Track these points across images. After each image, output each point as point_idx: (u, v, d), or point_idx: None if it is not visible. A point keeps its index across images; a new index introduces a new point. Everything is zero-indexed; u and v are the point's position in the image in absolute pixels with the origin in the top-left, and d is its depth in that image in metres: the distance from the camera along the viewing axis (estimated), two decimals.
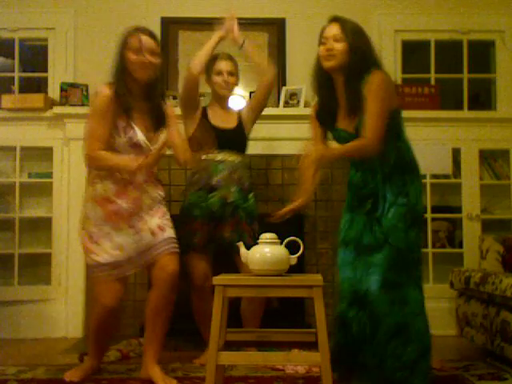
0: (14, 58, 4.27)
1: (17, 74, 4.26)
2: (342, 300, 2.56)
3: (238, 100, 3.98)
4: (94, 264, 2.72)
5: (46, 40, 4.22)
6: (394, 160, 2.53)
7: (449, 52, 4.37)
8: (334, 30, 2.55)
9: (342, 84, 2.53)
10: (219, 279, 2.26)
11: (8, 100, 4.06)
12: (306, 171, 2.68)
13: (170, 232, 2.81)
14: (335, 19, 2.61)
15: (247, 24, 4.26)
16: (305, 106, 4.07)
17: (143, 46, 2.68)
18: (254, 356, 2.46)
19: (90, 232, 2.72)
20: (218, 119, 3.22)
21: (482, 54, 4.42)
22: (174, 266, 2.77)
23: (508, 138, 4.20)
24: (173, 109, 2.95)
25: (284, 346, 2.52)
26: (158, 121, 2.81)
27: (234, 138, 3.22)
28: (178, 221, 3.04)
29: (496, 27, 4.29)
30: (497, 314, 2.97)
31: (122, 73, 2.71)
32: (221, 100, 3.29)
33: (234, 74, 3.25)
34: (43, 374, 2.88)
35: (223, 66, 3.22)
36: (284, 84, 4.17)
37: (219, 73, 3.22)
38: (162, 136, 2.81)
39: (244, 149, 3.27)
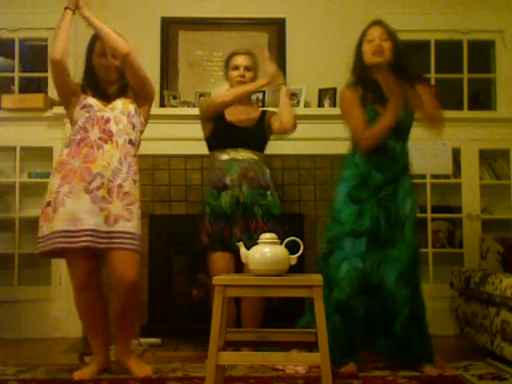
0: (14, 58, 4.28)
1: (17, 74, 4.26)
2: (341, 288, 2.74)
3: None
4: (46, 235, 2.69)
5: (46, 40, 4.21)
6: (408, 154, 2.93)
7: (449, 52, 4.37)
8: (379, 30, 2.90)
9: (384, 77, 2.83)
10: (219, 279, 2.26)
11: (8, 100, 4.06)
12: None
13: (131, 225, 2.74)
14: (379, 22, 2.96)
15: (247, 24, 4.29)
16: (305, 106, 4.08)
17: (106, 50, 2.83)
18: (254, 356, 2.46)
19: (48, 201, 2.76)
20: (235, 115, 3.20)
21: (482, 54, 4.42)
22: (134, 276, 2.73)
23: (508, 138, 4.20)
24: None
25: (284, 346, 2.51)
26: (121, 91, 2.92)
27: (252, 137, 3.19)
28: (198, 219, 3.17)
29: (496, 27, 4.29)
30: (497, 314, 2.97)
31: (91, 75, 2.91)
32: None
33: (251, 68, 3.22)
34: (43, 374, 2.88)
35: (240, 60, 3.21)
36: (284, 84, 4.16)
37: (236, 67, 3.20)
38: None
39: (261, 147, 3.24)
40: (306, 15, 4.28)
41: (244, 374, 2.80)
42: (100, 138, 2.77)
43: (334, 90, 4.13)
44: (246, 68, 3.20)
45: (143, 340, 3.53)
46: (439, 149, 4.09)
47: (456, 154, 4.17)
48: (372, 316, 2.78)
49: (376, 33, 2.89)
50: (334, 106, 4.12)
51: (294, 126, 3.22)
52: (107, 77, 2.88)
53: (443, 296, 3.89)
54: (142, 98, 2.94)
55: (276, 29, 4.24)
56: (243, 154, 3.12)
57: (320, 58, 4.25)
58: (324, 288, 2.55)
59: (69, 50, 2.81)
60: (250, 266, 2.31)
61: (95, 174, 2.71)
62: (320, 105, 4.14)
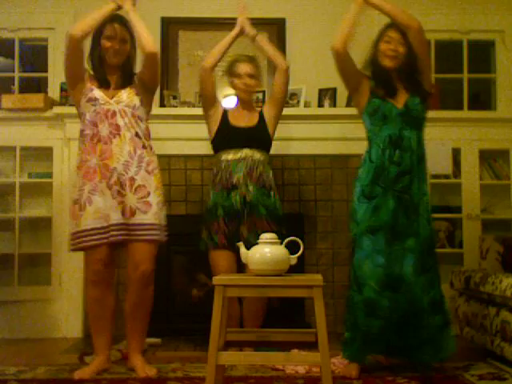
0: (13, 58, 4.27)
1: (17, 74, 4.26)
2: (366, 286, 2.75)
3: (231, 100, 3.98)
4: (79, 232, 2.82)
5: (46, 40, 4.22)
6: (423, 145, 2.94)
7: (449, 52, 4.37)
8: (398, 34, 2.91)
9: (394, 76, 2.93)
10: (219, 279, 2.26)
11: (8, 100, 4.06)
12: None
13: (148, 217, 2.84)
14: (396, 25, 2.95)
15: None
16: (305, 106, 4.08)
17: (119, 35, 2.90)
18: (254, 356, 2.46)
19: (75, 200, 2.85)
20: (239, 119, 3.25)
21: (482, 53, 4.42)
22: (147, 265, 2.88)
23: (508, 138, 4.20)
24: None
25: (284, 346, 2.52)
26: (125, 80, 2.97)
27: (254, 136, 3.23)
28: (202, 220, 3.22)
29: (496, 27, 4.29)
30: (497, 314, 2.97)
31: (97, 58, 2.93)
32: (242, 102, 3.31)
33: (254, 76, 3.25)
34: (43, 374, 2.88)
35: (243, 68, 3.24)
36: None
37: (239, 76, 3.23)
38: None
39: (265, 146, 3.27)
40: (305, 15, 4.28)
41: (244, 374, 2.80)
42: (110, 133, 2.84)
43: (334, 89, 4.13)
44: (250, 75, 3.22)
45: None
46: (439, 149, 4.09)
47: (456, 154, 4.17)
48: (394, 311, 2.77)
49: (394, 35, 2.92)
50: (334, 105, 4.12)
51: (285, 58, 3.37)
52: (113, 60, 2.92)
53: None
54: (149, 91, 3.05)
55: (276, 29, 4.24)
56: (248, 153, 3.15)
57: (320, 58, 4.25)
58: (350, 289, 2.82)
59: (89, 36, 2.88)
60: (250, 266, 2.32)
61: (112, 170, 2.81)
62: (320, 105, 4.14)
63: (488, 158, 4.26)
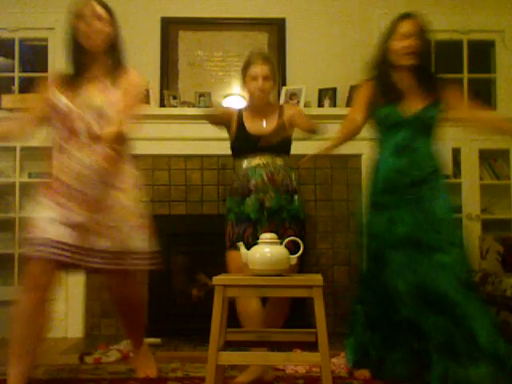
0: (14, 58, 4.28)
1: (17, 74, 4.26)
2: (406, 305, 2.46)
3: (238, 100, 3.98)
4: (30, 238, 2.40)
5: (46, 40, 4.22)
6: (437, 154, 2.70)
7: (449, 52, 4.37)
8: (414, 26, 2.60)
9: (407, 75, 2.64)
10: (219, 279, 2.26)
11: (8, 100, 4.06)
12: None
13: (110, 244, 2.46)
14: (413, 16, 2.63)
15: (247, 24, 4.29)
16: (305, 106, 4.08)
17: (92, 13, 2.51)
18: (254, 356, 2.46)
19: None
20: (255, 124, 3.02)
21: (482, 53, 4.42)
22: (123, 293, 2.66)
23: (508, 137, 4.19)
24: (136, 77, 2.66)
25: (284, 346, 2.51)
26: (111, 77, 2.57)
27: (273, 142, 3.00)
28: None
29: (496, 27, 4.29)
30: (497, 314, 2.97)
31: (75, 44, 2.55)
32: (257, 106, 3.06)
33: (269, 78, 3.01)
34: (43, 374, 2.88)
35: (258, 70, 2.99)
36: (284, 84, 4.17)
37: (253, 78, 2.99)
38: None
39: (286, 150, 3.06)
40: (305, 15, 4.28)
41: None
42: (67, 141, 2.49)
43: (334, 89, 4.14)
44: (265, 78, 2.99)
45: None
46: (439, 149, 4.09)
47: (456, 153, 4.17)
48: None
49: (409, 28, 2.59)
50: (334, 105, 4.13)
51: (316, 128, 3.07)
52: (89, 45, 2.52)
53: None
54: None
55: (276, 29, 4.24)
56: (268, 160, 2.95)
57: (320, 58, 4.26)
58: (378, 307, 2.56)
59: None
60: (250, 265, 2.31)
61: (64, 184, 2.44)
62: (320, 105, 4.14)
63: (488, 157, 4.26)
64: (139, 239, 2.52)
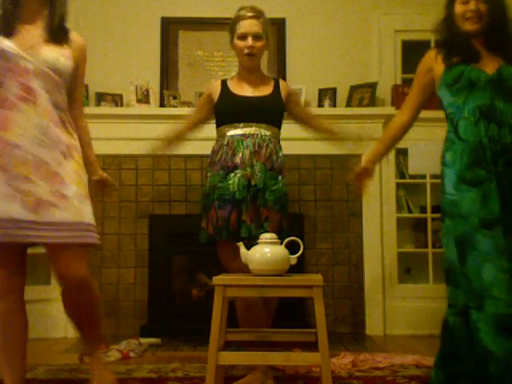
0: None
1: None
2: (496, 299, 2.04)
3: None
4: None
5: None
6: None
7: None
8: None
9: (478, 42, 2.34)
10: (219, 279, 2.26)
11: None
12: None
13: (63, 214, 2.08)
14: None
15: None
16: (305, 106, 4.07)
17: None
18: (254, 356, 2.46)
19: None
20: (243, 87, 2.74)
21: None
22: (75, 274, 2.16)
23: None
24: (82, 41, 2.34)
25: (284, 346, 2.51)
26: (52, 32, 2.20)
27: (265, 108, 2.70)
28: (201, 208, 2.79)
29: None
30: None
31: None
32: (248, 69, 2.75)
33: (261, 36, 2.69)
34: (43, 374, 2.88)
35: (247, 26, 2.67)
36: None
37: (242, 36, 2.68)
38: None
39: (277, 121, 2.76)
40: (306, 15, 4.28)
41: (244, 374, 2.80)
42: (18, 97, 2.08)
43: (334, 89, 4.14)
44: (255, 36, 2.67)
45: (143, 340, 3.54)
46: (439, 149, 4.08)
47: None
48: None
49: None
50: (334, 105, 4.13)
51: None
52: None
53: (443, 296, 3.87)
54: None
55: (276, 29, 4.24)
56: (256, 129, 2.66)
57: (320, 58, 4.26)
58: (469, 305, 2.14)
59: None
60: (250, 265, 2.31)
61: (13, 145, 2.06)
62: (320, 105, 4.14)
63: None
64: (88, 211, 2.18)
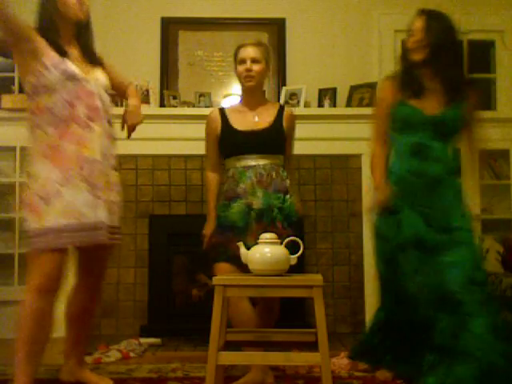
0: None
1: (17, 74, 4.25)
2: (423, 306, 2.40)
3: (232, 100, 3.97)
4: (39, 231, 2.30)
5: None
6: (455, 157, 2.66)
7: None
8: (420, 22, 2.59)
9: (427, 73, 2.56)
10: (219, 279, 2.26)
11: (8, 100, 4.06)
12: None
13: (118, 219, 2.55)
14: (423, 12, 2.64)
15: (247, 24, 4.29)
16: (305, 106, 4.08)
17: None
18: (254, 356, 2.46)
19: (38, 192, 2.32)
20: (244, 120, 2.82)
21: (482, 53, 4.42)
22: (105, 273, 2.69)
23: (508, 137, 4.20)
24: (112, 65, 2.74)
25: (284, 346, 2.51)
26: (90, 56, 2.55)
27: (265, 141, 2.78)
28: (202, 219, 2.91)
29: (496, 27, 4.29)
30: None
31: (53, 14, 2.43)
32: (248, 94, 2.84)
33: (259, 60, 2.78)
34: (43, 374, 2.87)
35: (246, 52, 2.78)
36: (284, 84, 4.17)
37: (242, 61, 2.79)
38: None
39: (279, 149, 2.84)
40: (306, 15, 4.28)
41: (244, 374, 2.80)
42: (90, 119, 2.41)
43: (334, 89, 4.14)
44: (254, 60, 2.77)
45: (143, 340, 3.54)
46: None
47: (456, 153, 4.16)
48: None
49: (418, 24, 2.58)
50: (334, 105, 4.13)
51: None
52: (74, 13, 2.44)
53: None
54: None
55: (276, 29, 4.24)
56: (258, 160, 2.75)
57: (320, 58, 4.26)
58: (396, 306, 2.52)
59: None
60: (250, 265, 2.31)
61: (92, 161, 2.39)
62: (320, 105, 4.14)
63: (488, 158, 4.25)
64: (118, 215, 2.57)
